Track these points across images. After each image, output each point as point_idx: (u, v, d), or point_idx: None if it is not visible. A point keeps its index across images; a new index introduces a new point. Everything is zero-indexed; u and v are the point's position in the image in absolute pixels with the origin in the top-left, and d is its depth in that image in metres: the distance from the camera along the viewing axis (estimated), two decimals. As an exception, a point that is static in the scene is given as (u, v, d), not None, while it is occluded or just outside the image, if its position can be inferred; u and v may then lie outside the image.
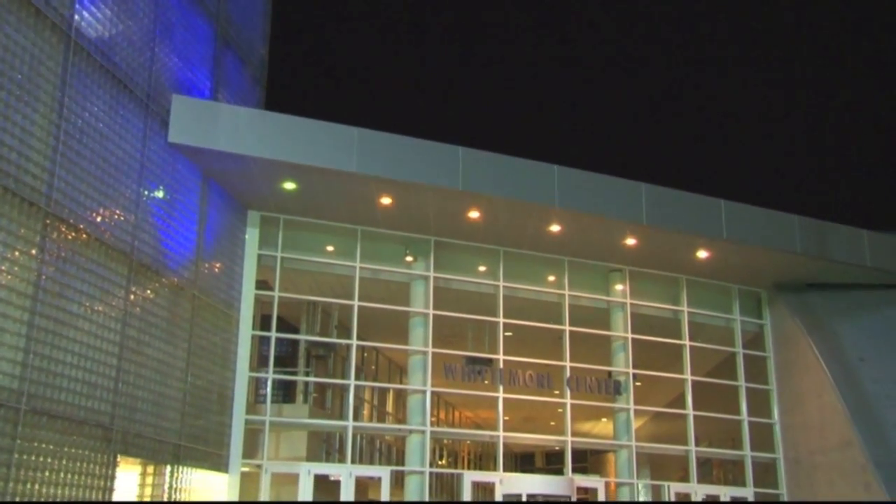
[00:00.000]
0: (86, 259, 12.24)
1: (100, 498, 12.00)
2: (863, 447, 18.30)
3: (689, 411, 20.91)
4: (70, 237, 11.92)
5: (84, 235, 12.22)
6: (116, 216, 13.10)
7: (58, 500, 11.16)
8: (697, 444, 20.84)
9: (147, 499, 14.05)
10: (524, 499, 18.21)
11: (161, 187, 14.61)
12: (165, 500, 14.16)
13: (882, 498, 17.50)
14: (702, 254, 20.06)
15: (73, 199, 11.98)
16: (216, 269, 16.59)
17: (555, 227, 18.75)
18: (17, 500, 10.42)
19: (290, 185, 16.86)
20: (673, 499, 20.11)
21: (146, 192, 14.03)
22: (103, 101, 12.87)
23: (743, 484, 21.02)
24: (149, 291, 13.98)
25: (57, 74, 11.83)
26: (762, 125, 60.33)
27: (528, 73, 62.90)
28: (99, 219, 12.60)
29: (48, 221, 11.43)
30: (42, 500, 10.87)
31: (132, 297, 13.40)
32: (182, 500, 14.61)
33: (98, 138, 12.67)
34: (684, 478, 20.94)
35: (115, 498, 12.38)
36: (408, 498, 18.33)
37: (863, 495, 18.12)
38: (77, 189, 12.09)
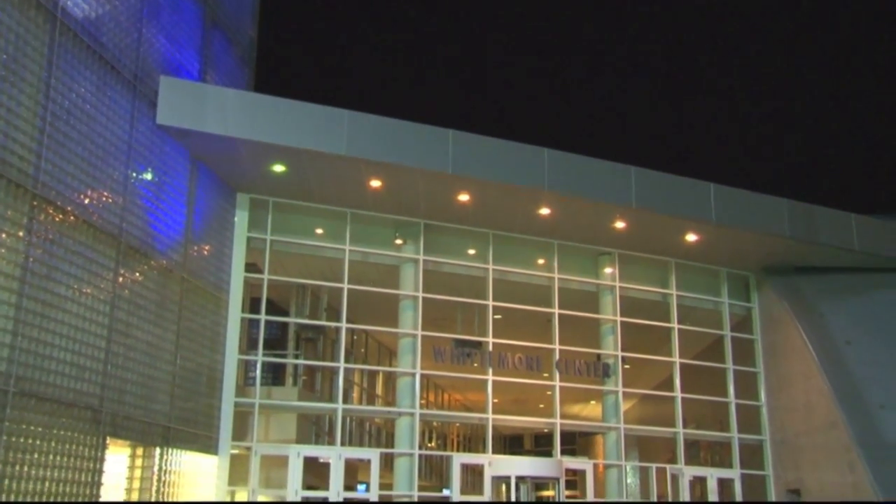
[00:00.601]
0: (74, 241, 12.17)
1: (89, 480, 12.00)
2: (847, 428, 18.48)
3: (678, 394, 21.05)
4: (57, 219, 11.85)
5: (72, 217, 12.14)
6: (104, 198, 13.02)
7: (47, 486, 11.17)
8: (685, 426, 21.01)
9: (136, 481, 14.06)
10: (513, 481, 18.30)
11: (149, 169, 14.52)
12: (154, 485, 14.18)
13: (865, 478, 17.69)
14: (691, 237, 20.13)
15: (60, 181, 11.89)
16: (205, 252, 16.54)
17: (544, 211, 18.76)
18: (6, 483, 10.42)
19: (279, 168, 16.79)
20: (669, 481, 20.27)
21: (134, 174, 13.95)
22: (90, 82, 12.75)
23: (730, 465, 21.22)
24: (137, 274, 13.93)
25: (43, 55, 11.70)
26: (752, 108, 60.40)
27: (518, 56, 62.70)
28: (87, 201, 12.52)
29: (35, 203, 11.35)
30: (32, 484, 10.86)
31: (121, 279, 13.34)
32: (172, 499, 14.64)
33: (85, 120, 12.57)
34: (672, 460, 21.12)
35: (104, 480, 12.38)
36: (397, 479, 18.41)
37: (847, 475, 18.32)
38: (64, 171, 12.00)
